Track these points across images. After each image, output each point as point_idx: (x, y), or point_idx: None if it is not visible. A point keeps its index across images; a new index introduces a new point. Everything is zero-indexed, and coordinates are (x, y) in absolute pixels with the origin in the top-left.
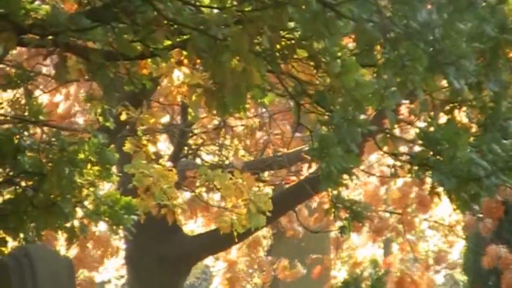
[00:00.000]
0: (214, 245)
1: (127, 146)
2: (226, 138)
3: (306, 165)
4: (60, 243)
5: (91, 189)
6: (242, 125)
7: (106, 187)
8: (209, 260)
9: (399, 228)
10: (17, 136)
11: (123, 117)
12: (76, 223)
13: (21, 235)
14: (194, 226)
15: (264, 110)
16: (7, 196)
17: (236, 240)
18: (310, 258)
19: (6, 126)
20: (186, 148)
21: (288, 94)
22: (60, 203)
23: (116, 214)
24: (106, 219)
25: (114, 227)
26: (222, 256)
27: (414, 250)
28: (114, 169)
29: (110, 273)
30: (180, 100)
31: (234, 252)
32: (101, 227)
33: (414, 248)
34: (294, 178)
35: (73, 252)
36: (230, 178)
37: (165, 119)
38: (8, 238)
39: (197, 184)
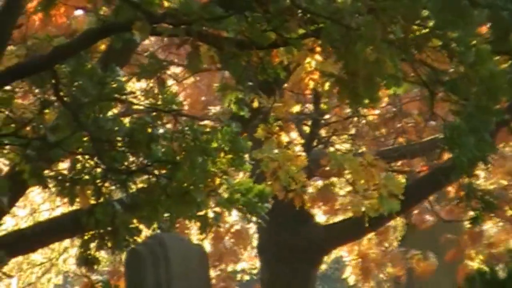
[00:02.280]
0: (346, 234)
1: (259, 133)
2: (359, 127)
3: (439, 154)
4: (194, 232)
5: (224, 177)
6: (375, 114)
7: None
8: (342, 250)
9: None
10: (151, 125)
11: (255, 105)
12: (209, 212)
13: (155, 224)
14: (325, 216)
15: (397, 99)
16: (141, 185)
17: (369, 229)
18: (448, 253)
19: (139, 115)
20: (318, 137)
21: (421, 82)
22: (193, 192)
23: (250, 202)
24: (240, 207)
25: (248, 216)
26: (355, 245)
27: None
28: (246, 157)
29: (243, 263)
30: (312, 89)
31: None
32: (234, 217)
33: None
34: (427, 167)
35: (208, 245)
36: (361, 163)
37: (297, 108)
38: (142, 227)
39: (327, 168)
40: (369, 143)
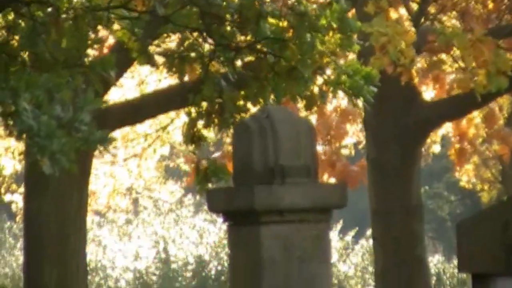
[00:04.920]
0: (454, 111)
1: (369, 7)
2: (468, 4)
3: None
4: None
5: (332, 57)
6: None
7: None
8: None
9: None
10: (259, 2)
11: None
12: (316, 90)
13: (261, 101)
14: (433, 92)
15: None
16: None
17: (476, 106)
18: None
19: None
20: (426, 13)
21: None
22: (300, 68)
23: (356, 84)
24: (346, 89)
25: (354, 98)
26: (461, 122)
27: None
28: (355, 37)
29: (349, 139)
30: None
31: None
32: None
33: None
34: None
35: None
36: (470, 39)
37: None
38: (249, 105)
39: (436, 44)
40: (478, 21)
